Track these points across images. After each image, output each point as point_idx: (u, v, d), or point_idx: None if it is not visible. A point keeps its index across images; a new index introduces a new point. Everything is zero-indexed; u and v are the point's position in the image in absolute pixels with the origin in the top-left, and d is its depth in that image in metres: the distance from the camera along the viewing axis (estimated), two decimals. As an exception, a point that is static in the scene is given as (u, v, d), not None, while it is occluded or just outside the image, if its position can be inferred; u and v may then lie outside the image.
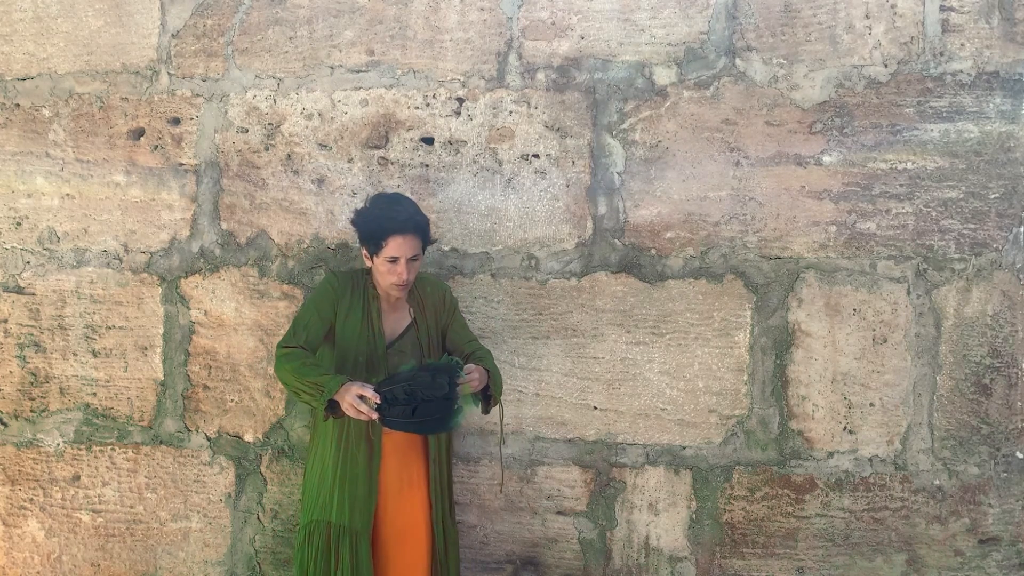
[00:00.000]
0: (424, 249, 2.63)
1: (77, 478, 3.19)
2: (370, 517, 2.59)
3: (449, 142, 3.02)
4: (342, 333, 2.65)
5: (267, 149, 3.09)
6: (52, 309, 3.18)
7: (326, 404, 2.46)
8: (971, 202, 2.84)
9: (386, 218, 2.56)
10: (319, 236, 3.05)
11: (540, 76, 2.99)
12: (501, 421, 2.76)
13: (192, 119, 3.12)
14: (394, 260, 2.56)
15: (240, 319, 3.09)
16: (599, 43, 2.96)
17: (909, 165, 2.85)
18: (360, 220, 2.63)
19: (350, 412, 2.42)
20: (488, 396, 2.64)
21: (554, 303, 2.98)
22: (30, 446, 3.21)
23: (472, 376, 2.53)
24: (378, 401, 2.40)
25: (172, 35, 3.14)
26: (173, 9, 3.13)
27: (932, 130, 2.84)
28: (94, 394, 3.17)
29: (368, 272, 2.70)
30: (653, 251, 2.95)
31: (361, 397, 2.40)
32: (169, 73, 3.14)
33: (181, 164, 3.13)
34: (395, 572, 2.62)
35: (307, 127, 3.07)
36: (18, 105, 3.21)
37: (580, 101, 2.97)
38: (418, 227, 2.59)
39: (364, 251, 2.63)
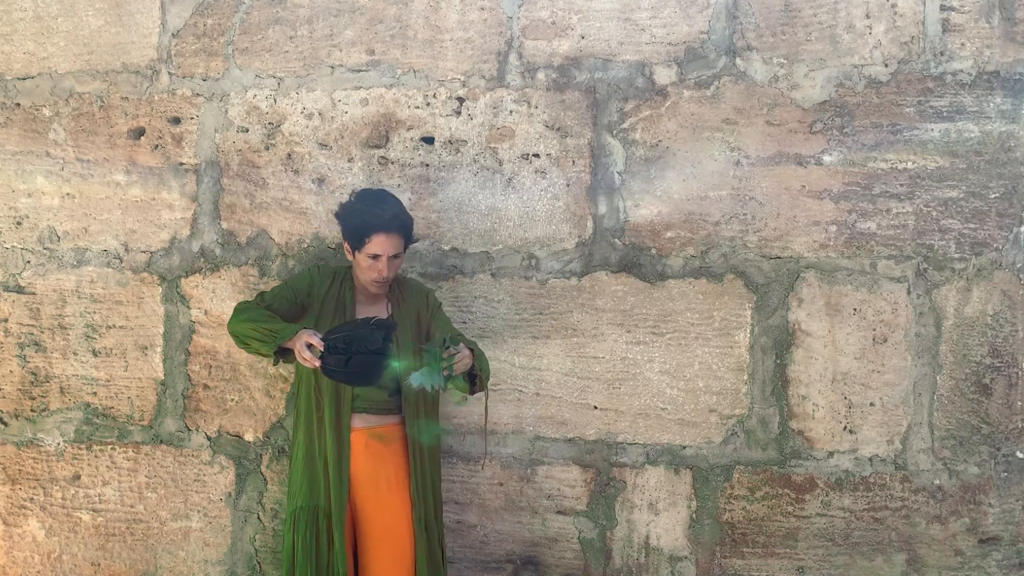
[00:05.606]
0: (406, 248, 2.65)
1: (77, 477, 3.19)
2: (343, 503, 2.58)
3: (449, 141, 3.02)
4: (317, 324, 2.65)
5: (267, 148, 3.09)
6: (52, 308, 3.18)
7: (276, 349, 2.52)
8: (971, 202, 2.84)
9: (371, 215, 2.58)
10: (319, 235, 3.05)
11: (540, 76, 2.98)
12: (486, 408, 2.77)
13: (192, 118, 3.12)
14: (376, 257, 2.58)
15: (240, 318, 3.09)
16: (599, 43, 2.96)
17: (909, 165, 2.85)
18: (345, 215, 2.65)
19: (299, 359, 2.46)
20: (474, 376, 2.59)
21: (554, 303, 2.98)
22: (30, 445, 3.21)
23: (462, 354, 2.49)
24: (321, 348, 2.43)
25: (172, 34, 3.14)
26: (173, 8, 3.13)
27: (932, 130, 2.84)
28: (94, 393, 3.17)
29: (349, 267, 2.73)
30: (653, 251, 2.95)
31: (310, 345, 2.43)
32: (169, 72, 3.14)
33: (181, 163, 3.13)
34: (379, 573, 2.61)
35: (307, 126, 3.07)
36: (18, 104, 3.21)
37: (580, 101, 2.97)
38: (402, 226, 2.61)
39: (346, 245, 2.66)
